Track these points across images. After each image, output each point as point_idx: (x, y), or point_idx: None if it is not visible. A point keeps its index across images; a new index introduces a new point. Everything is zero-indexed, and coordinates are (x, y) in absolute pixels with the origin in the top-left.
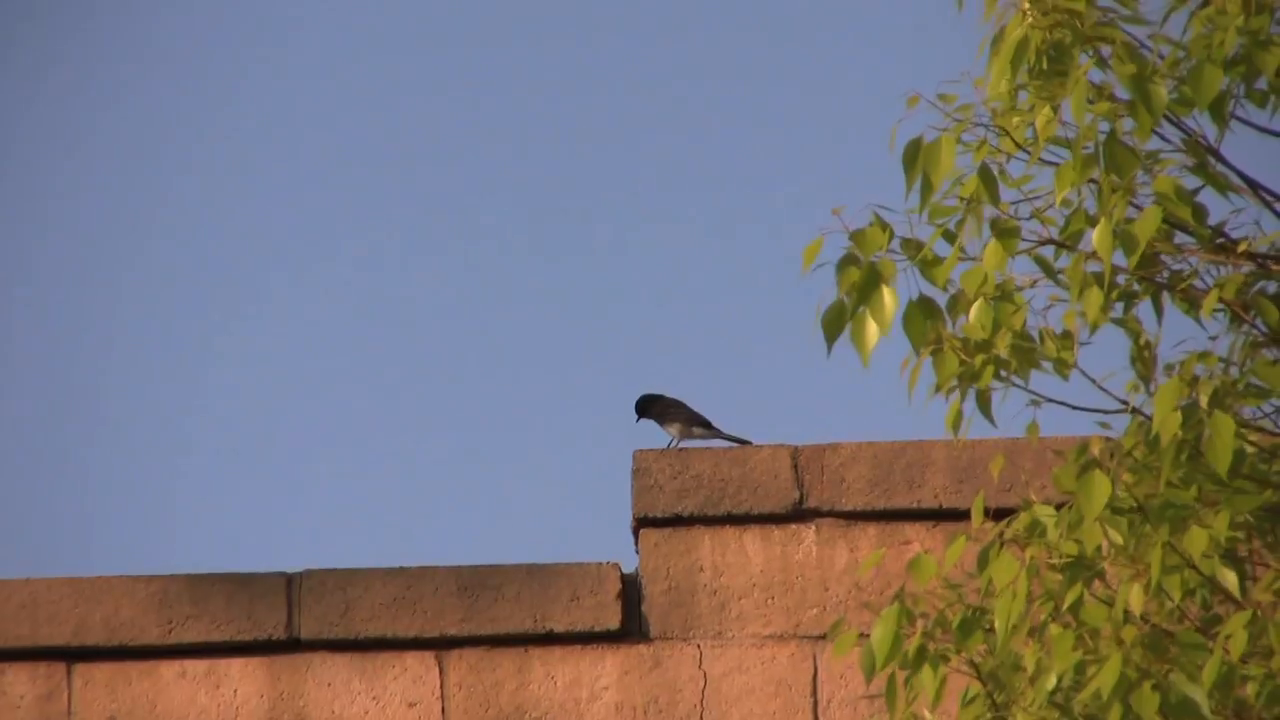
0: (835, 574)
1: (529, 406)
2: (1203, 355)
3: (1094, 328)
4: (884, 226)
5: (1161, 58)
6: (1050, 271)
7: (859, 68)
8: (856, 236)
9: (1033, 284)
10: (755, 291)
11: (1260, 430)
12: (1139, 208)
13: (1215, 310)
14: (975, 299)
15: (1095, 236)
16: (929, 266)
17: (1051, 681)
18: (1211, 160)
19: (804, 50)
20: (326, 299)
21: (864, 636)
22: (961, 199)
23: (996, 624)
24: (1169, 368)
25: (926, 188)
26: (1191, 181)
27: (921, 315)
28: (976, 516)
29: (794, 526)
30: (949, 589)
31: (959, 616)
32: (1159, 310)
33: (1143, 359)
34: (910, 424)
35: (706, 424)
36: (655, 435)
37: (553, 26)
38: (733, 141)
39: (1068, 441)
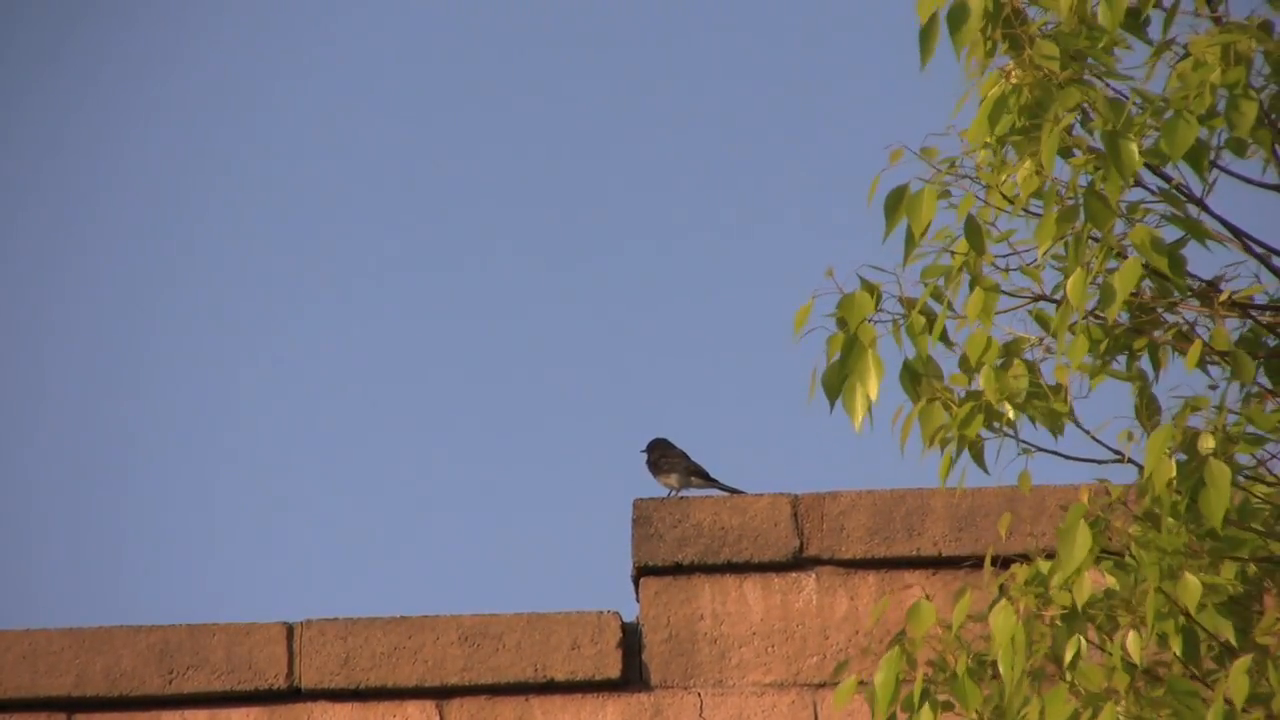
0: (835, 622)
1: (529, 455)
2: (1196, 401)
3: (1094, 381)
4: (871, 290)
5: (1140, 110)
6: (1049, 327)
7: (851, 119)
8: (844, 303)
9: (1040, 341)
10: (755, 341)
11: (1261, 480)
12: (1119, 259)
13: (1210, 362)
14: (978, 365)
15: (1069, 286)
16: (916, 334)
17: None
18: (1195, 210)
19: (792, 99)
20: (322, 348)
21: (864, 684)
22: (955, 254)
23: (1002, 672)
24: (1176, 418)
25: (910, 240)
26: (1173, 233)
27: (913, 375)
28: (988, 568)
29: (794, 575)
30: (950, 636)
31: (963, 665)
32: (1155, 360)
33: (1145, 407)
34: (910, 472)
35: (704, 474)
36: (656, 483)
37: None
38: (732, 192)
39: (1065, 492)
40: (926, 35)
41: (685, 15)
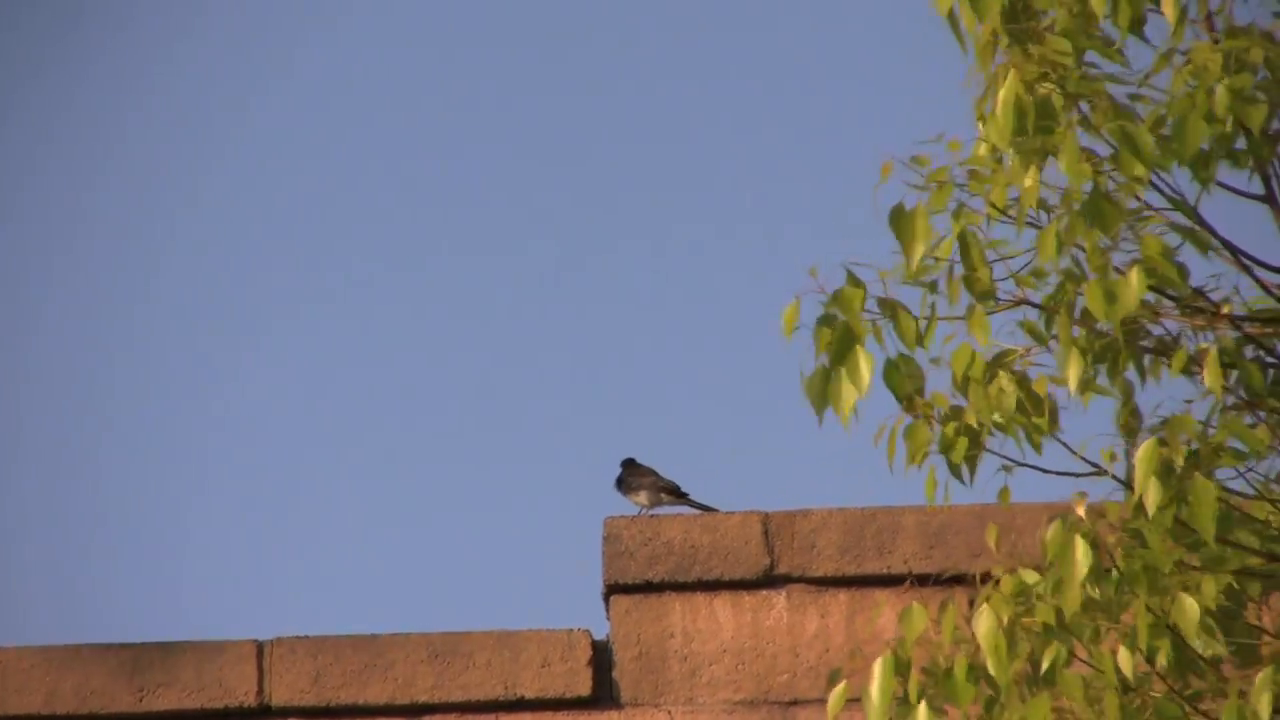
0: (806, 640)
1: (499, 473)
2: (1180, 419)
3: (1085, 396)
4: (858, 284)
5: (1141, 118)
6: (1041, 338)
7: (841, 121)
8: (835, 296)
9: (1026, 351)
10: (727, 357)
11: (1241, 495)
12: (1119, 270)
13: (1194, 373)
14: (964, 380)
15: (1088, 295)
16: (907, 334)
17: None
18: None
19: (788, 107)
20: (297, 365)
21: (853, 701)
22: (938, 259)
23: (993, 672)
24: (1154, 429)
25: (907, 264)
26: (1171, 240)
27: (900, 371)
28: (980, 576)
29: (765, 592)
30: (940, 641)
31: (963, 665)
32: (1142, 373)
33: (1127, 420)
34: (881, 490)
35: (675, 490)
36: (628, 501)
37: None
38: (709, 207)
39: (1036, 510)
40: (954, 21)
41: (675, 15)
